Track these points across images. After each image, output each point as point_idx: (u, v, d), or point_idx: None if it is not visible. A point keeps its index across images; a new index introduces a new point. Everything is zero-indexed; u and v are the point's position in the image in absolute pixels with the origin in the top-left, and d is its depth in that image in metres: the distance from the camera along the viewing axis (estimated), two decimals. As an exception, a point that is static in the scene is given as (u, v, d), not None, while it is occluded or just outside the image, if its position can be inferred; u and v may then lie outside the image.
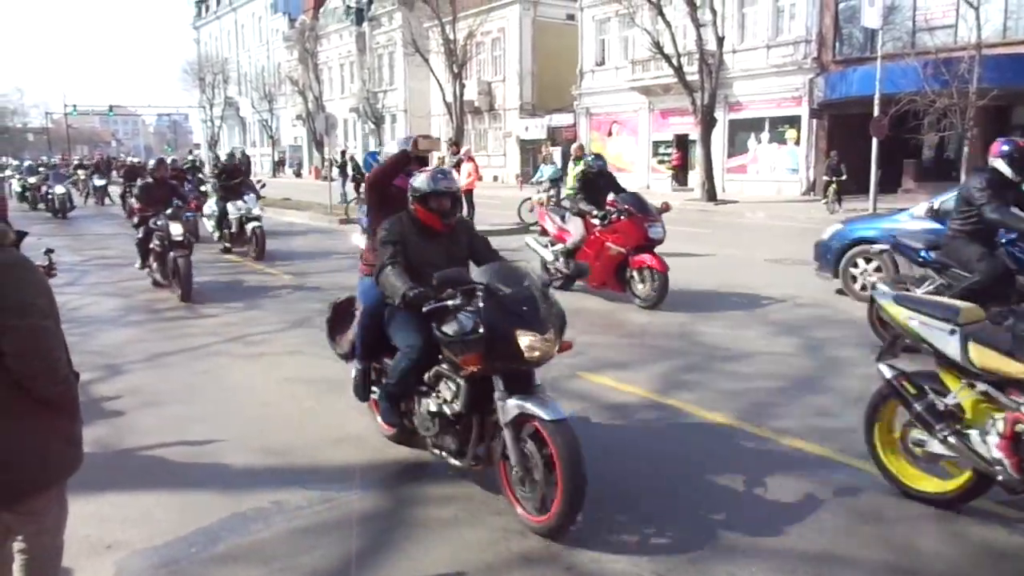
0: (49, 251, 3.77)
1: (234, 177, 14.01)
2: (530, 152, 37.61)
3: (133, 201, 10.21)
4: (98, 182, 28.21)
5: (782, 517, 3.73)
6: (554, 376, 6.11)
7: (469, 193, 17.70)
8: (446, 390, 3.93)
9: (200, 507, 3.96)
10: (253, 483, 4.26)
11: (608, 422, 5.12)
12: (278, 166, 59.31)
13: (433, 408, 3.97)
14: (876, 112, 20.36)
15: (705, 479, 4.18)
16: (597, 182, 9.67)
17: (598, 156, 10.48)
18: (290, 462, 4.56)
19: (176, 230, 9.55)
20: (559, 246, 9.57)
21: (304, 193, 28.27)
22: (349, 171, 24.10)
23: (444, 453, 4.03)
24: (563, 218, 9.90)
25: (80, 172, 31.13)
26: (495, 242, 4.62)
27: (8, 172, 38.46)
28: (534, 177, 20.44)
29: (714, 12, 24.41)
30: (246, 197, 13.42)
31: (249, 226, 13.22)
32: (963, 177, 19.31)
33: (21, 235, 2.59)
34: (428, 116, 44.03)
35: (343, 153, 29.01)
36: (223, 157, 16.19)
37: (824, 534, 3.56)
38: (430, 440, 4.11)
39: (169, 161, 14.86)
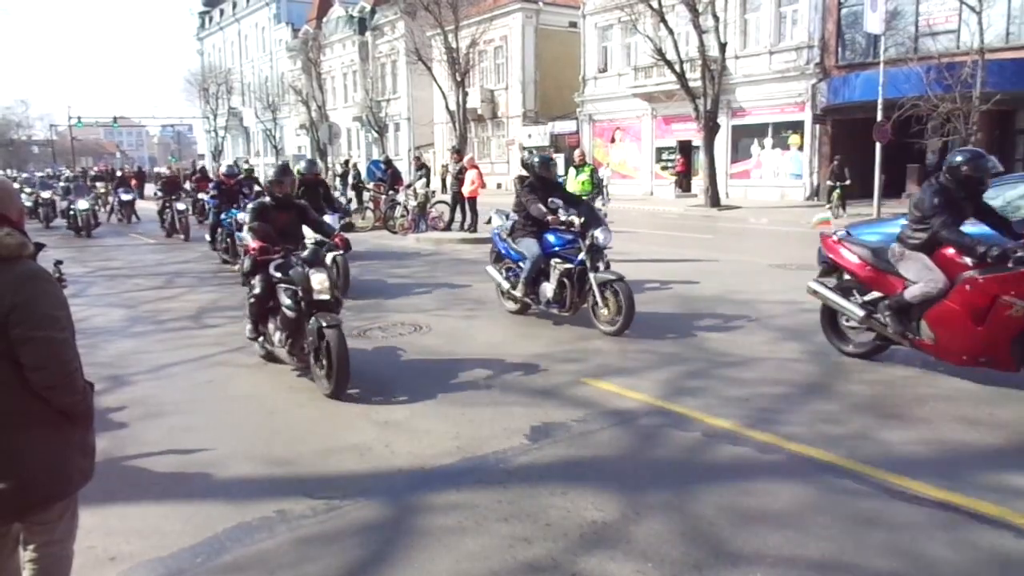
0: (58, 263, 3.65)
1: (314, 191, 11.28)
2: (533, 159, 37.64)
3: (247, 237, 6.82)
4: (125, 196, 24.47)
5: (788, 523, 3.71)
6: (559, 383, 6.12)
7: (472, 200, 17.80)
8: None
9: (205, 517, 3.96)
10: (257, 492, 4.25)
11: (612, 428, 5.10)
12: None
13: None
14: (879, 117, 20.33)
15: (710, 485, 4.16)
16: (960, 194, 5.68)
17: (980, 155, 5.74)
18: (294, 471, 4.55)
19: (320, 282, 5.97)
20: (871, 295, 6.30)
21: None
22: (350, 179, 24.17)
23: None
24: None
25: (98, 185, 28.11)
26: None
27: (16, 185, 37.90)
28: None
29: (716, 18, 24.44)
30: (328, 217, 9.43)
31: (329, 256, 8.50)
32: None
33: (39, 247, 2.61)
34: (431, 124, 44.18)
35: (346, 162, 29.02)
36: (297, 166, 12.23)
37: (830, 541, 3.54)
38: None
39: (192, 166, 13.94)
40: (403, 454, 4.74)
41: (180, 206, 19.41)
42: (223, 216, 14.01)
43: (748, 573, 3.28)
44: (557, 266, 8.00)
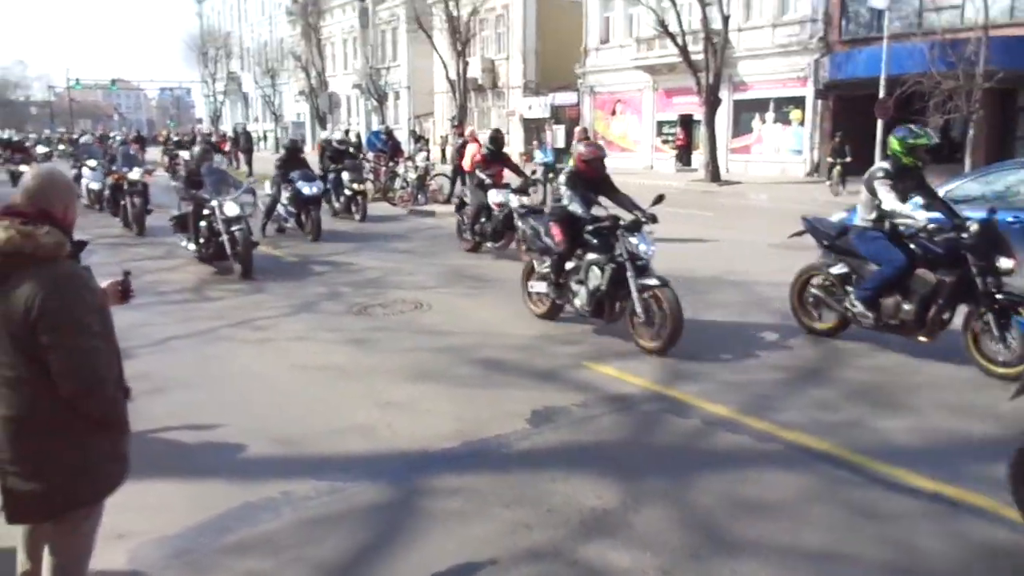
0: (127, 273, 3.14)
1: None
2: (533, 131, 37.49)
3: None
4: (308, 189, 13.12)
5: (784, 513, 3.78)
6: (559, 365, 6.18)
7: (473, 173, 17.74)
8: None
9: (210, 496, 4.02)
10: (262, 472, 4.32)
11: (612, 414, 5.16)
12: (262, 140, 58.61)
13: None
14: (881, 93, 20.21)
15: (708, 474, 4.23)
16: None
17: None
18: (298, 452, 4.61)
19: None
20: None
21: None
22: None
23: None
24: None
25: (181, 155, 18.32)
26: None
27: (43, 149, 28.82)
28: (534, 160, 20.36)
29: (720, -10, 24.16)
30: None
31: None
32: (968, 160, 19.24)
33: (80, 245, 2.50)
34: (431, 94, 43.78)
35: (346, 131, 28.84)
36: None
37: (824, 531, 3.62)
38: None
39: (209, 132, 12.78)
40: (405, 436, 4.80)
41: (522, 201, 10.35)
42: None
43: (745, 563, 3.36)
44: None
